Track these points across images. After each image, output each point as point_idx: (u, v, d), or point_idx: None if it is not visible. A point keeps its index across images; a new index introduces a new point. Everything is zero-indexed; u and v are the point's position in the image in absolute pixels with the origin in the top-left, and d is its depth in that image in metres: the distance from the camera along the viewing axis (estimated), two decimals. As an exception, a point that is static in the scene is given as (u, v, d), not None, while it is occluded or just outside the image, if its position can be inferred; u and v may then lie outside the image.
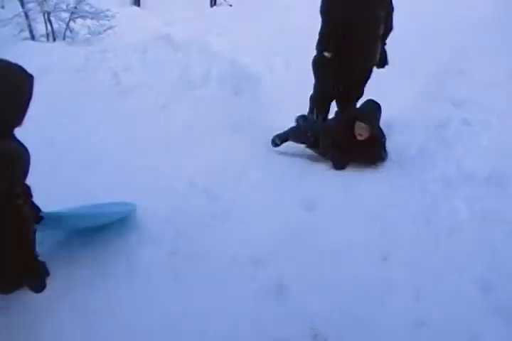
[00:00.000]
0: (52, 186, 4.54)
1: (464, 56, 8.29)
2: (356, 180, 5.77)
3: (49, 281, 3.24)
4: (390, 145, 6.41)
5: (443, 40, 10.41)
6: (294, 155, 6.49)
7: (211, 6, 21.79)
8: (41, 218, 3.28)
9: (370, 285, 3.94)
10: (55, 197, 4.20)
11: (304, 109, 7.03)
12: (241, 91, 7.68)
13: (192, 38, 9.70)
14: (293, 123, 6.81)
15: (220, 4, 21.47)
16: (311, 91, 6.93)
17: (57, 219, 3.62)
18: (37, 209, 3.31)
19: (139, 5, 21.48)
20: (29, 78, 2.88)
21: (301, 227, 4.71)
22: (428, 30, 11.18)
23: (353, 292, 3.86)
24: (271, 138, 6.60)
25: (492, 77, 7.20)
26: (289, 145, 6.59)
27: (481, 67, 7.55)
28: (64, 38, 14.46)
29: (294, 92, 8.35)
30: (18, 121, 2.84)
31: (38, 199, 3.27)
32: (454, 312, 3.66)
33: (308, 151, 6.54)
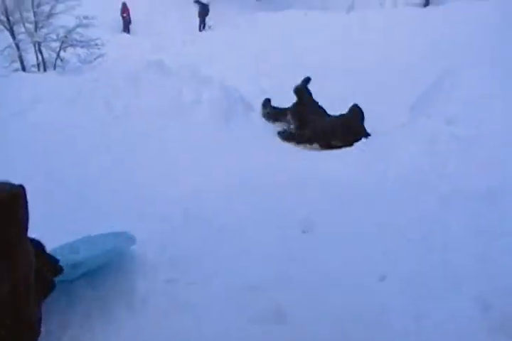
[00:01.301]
0: (47, 216, 4.54)
1: (451, 73, 8.38)
2: (351, 198, 5.76)
3: (45, 316, 3.21)
4: (385, 163, 6.46)
5: (431, 58, 10.58)
6: (287, 174, 6.48)
7: (200, 30, 21.97)
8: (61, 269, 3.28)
9: (369, 309, 3.88)
10: (51, 228, 4.24)
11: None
12: (232, 115, 7.74)
13: (182, 63, 9.82)
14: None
15: (209, 28, 21.67)
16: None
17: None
18: (54, 260, 3.30)
19: (128, 32, 21.64)
20: None
21: (297, 251, 4.68)
22: (415, 49, 11.34)
23: (352, 317, 3.80)
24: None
25: (481, 93, 7.27)
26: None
27: (469, 84, 7.63)
28: (55, 68, 14.60)
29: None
30: None
31: (34, 230, 3.26)
32: (454, 332, 3.62)
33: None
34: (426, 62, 10.48)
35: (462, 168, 6.07)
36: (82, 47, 14.85)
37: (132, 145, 6.65)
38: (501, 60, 8.33)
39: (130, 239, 4.45)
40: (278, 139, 7.70)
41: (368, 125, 8.03)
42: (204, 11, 22.07)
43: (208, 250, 4.75)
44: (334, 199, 5.76)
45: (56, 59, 14.79)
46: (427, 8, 21.14)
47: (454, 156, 6.39)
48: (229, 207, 5.49)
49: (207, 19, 22.20)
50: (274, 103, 9.01)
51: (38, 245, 3.09)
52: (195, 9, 22.31)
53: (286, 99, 8.92)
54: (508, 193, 5.28)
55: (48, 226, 3.99)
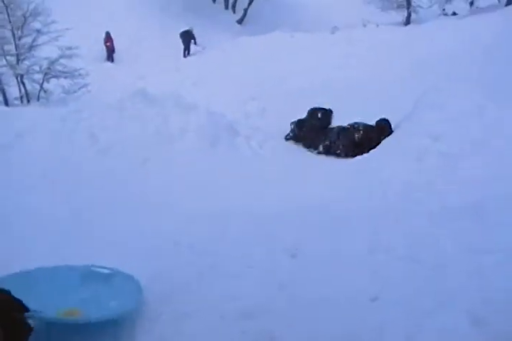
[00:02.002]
0: (32, 256, 4.48)
1: (435, 90, 8.47)
2: (339, 220, 5.73)
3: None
4: (373, 181, 6.46)
5: (414, 75, 10.69)
6: (275, 199, 6.46)
7: (184, 56, 22.07)
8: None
9: (362, 330, 3.84)
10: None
11: (281, 152, 7.10)
12: (218, 141, 7.73)
13: (167, 90, 9.82)
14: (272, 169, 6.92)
15: (194, 54, 21.76)
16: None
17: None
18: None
19: (112, 61, 21.70)
20: None
21: (288, 276, 4.64)
22: (399, 67, 11.46)
23: (346, 339, 3.78)
24: None
25: (464, 110, 7.35)
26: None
27: (453, 100, 7.71)
28: (38, 99, 14.56)
29: (269, 136, 8.48)
30: None
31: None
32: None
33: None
34: (410, 79, 10.59)
35: (450, 185, 6.10)
36: (65, 77, 14.87)
37: (118, 177, 6.60)
38: (483, 76, 8.42)
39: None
40: (264, 165, 7.67)
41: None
42: (188, 38, 22.19)
43: (200, 277, 4.71)
44: (323, 221, 5.75)
45: (39, 91, 14.78)
46: (408, 26, 21.46)
47: (442, 173, 6.42)
48: (218, 234, 5.46)
49: (192, 45, 22.29)
50: (259, 125, 9.09)
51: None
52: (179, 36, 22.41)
53: (271, 122, 8.99)
54: (496, 209, 5.29)
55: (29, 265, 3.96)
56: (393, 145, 7.70)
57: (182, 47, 22.19)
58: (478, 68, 8.96)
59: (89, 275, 4.40)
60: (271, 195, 6.54)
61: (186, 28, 22.24)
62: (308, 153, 9.16)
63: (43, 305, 3.42)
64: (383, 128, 8.89)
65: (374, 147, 8.27)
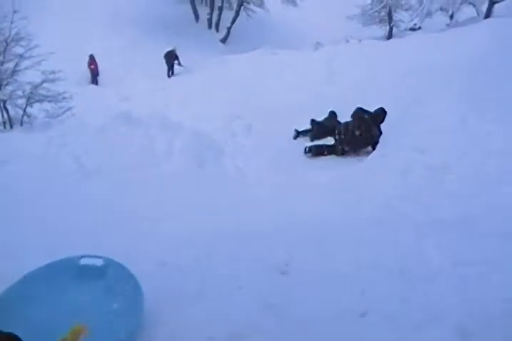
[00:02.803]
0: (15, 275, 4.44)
1: (418, 103, 8.54)
2: (326, 236, 5.71)
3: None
4: (360, 195, 6.47)
5: (397, 89, 10.76)
6: (262, 217, 6.44)
7: (168, 76, 22.14)
8: None
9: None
10: None
11: (267, 172, 7.09)
12: (205, 162, 7.73)
13: (151, 111, 9.83)
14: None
15: (178, 74, 21.83)
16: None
17: None
18: None
19: (96, 83, 21.73)
20: None
21: (276, 295, 4.61)
22: (381, 81, 11.54)
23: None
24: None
25: (448, 122, 7.40)
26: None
27: (436, 113, 7.77)
28: (22, 124, 14.44)
29: (256, 155, 8.49)
30: None
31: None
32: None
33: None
34: (393, 92, 10.66)
35: (436, 198, 6.12)
36: (49, 101, 14.77)
37: (104, 201, 6.56)
38: (466, 89, 8.50)
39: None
40: (251, 183, 7.66)
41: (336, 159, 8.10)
42: (171, 58, 22.28)
43: (188, 299, 4.67)
44: (311, 237, 5.72)
45: (23, 115, 14.66)
46: (390, 40, 21.71)
47: (428, 186, 6.44)
48: (206, 255, 5.42)
49: (176, 65, 22.37)
50: (245, 143, 9.11)
51: None
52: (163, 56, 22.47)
53: (257, 140, 9.00)
54: (481, 221, 5.31)
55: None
56: (379, 159, 7.72)
57: (166, 67, 22.27)
58: (461, 81, 9.04)
59: (83, 271, 4.49)
60: (259, 214, 6.53)
61: (170, 49, 22.34)
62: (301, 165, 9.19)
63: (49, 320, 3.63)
64: (378, 116, 9.44)
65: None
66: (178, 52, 22.42)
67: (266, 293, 4.68)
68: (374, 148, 8.87)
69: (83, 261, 4.58)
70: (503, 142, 6.75)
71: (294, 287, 4.78)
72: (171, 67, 22.32)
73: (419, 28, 26.09)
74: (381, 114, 9.42)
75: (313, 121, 10.82)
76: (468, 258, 4.74)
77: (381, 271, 4.87)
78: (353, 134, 9.39)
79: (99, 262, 4.58)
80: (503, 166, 6.24)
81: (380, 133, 9.15)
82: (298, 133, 10.72)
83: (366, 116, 9.41)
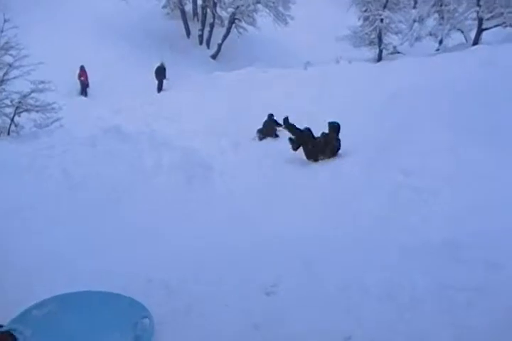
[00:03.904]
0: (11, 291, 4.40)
1: (406, 126, 8.61)
2: (313, 257, 5.70)
3: None
4: (345, 216, 6.48)
5: (385, 111, 10.84)
6: (250, 236, 6.41)
7: (158, 91, 22.11)
8: None
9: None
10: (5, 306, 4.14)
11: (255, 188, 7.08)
12: (193, 177, 7.71)
13: (140, 126, 9.81)
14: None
15: (166, 89, 21.80)
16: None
17: None
18: None
19: (86, 95, 21.65)
20: None
21: (263, 316, 4.60)
22: (369, 103, 11.63)
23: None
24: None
25: (435, 146, 7.46)
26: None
27: (424, 137, 7.83)
28: (9, 133, 14.32)
29: (244, 172, 8.49)
30: None
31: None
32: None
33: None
34: (381, 115, 10.73)
35: (422, 220, 6.15)
36: (37, 111, 14.66)
37: (91, 214, 6.51)
38: (452, 113, 8.61)
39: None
40: (238, 200, 7.63)
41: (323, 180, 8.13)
42: (161, 73, 22.30)
43: (174, 316, 4.66)
44: (297, 257, 5.72)
45: (10, 124, 14.54)
46: (380, 63, 21.91)
47: (414, 208, 6.47)
48: (193, 271, 5.41)
49: (164, 80, 22.39)
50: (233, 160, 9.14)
51: None
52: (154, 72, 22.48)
53: (245, 157, 9.02)
54: (467, 245, 5.33)
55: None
56: (366, 180, 7.75)
57: (156, 82, 22.28)
58: (449, 106, 9.17)
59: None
60: (246, 231, 6.51)
61: (159, 64, 22.39)
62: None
63: None
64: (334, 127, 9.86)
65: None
66: (166, 66, 22.46)
67: (253, 312, 4.67)
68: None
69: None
70: (491, 167, 6.82)
71: (280, 307, 4.78)
72: (160, 82, 22.32)
73: (398, 52, 26.55)
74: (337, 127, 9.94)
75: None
76: (454, 283, 4.75)
77: (367, 293, 4.88)
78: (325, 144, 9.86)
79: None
80: (490, 192, 6.29)
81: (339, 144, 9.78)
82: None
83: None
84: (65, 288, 4.69)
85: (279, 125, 11.93)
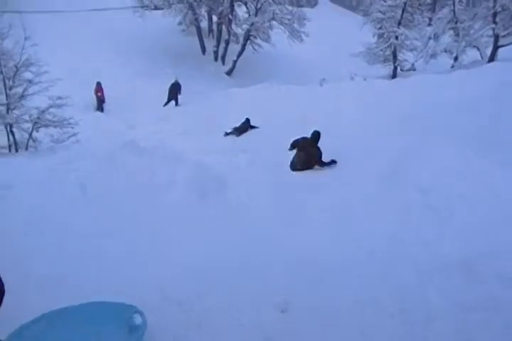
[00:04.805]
0: (13, 306, 4.40)
1: (421, 143, 8.59)
2: (326, 274, 5.69)
3: None
4: (360, 233, 6.47)
5: (400, 128, 10.84)
6: (263, 253, 6.41)
7: (164, 105, 22.31)
8: None
9: None
10: (21, 313, 4.20)
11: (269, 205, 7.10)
12: (207, 194, 7.73)
13: (156, 141, 9.88)
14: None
15: (183, 104, 21.97)
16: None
17: None
18: None
19: (102, 110, 21.88)
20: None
21: (275, 332, 4.59)
22: (384, 120, 11.64)
23: None
24: None
25: (451, 164, 7.44)
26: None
27: (440, 154, 7.81)
28: (27, 148, 14.55)
29: (260, 189, 8.50)
30: None
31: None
32: None
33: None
34: (396, 131, 10.71)
35: (437, 239, 6.10)
36: (55, 127, 14.90)
37: (105, 229, 6.57)
38: (468, 130, 8.60)
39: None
40: (253, 217, 7.65)
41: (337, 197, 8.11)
42: (175, 90, 22.52)
43: (187, 334, 4.66)
44: (311, 274, 5.70)
45: (28, 139, 14.78)
46: (395, 80, 21.93)
47: (429, 227, 6.44)
48: (207, 289, 5.41)
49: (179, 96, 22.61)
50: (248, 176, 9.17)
51: None
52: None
53: (260, 174, 9.05)
54: (483, 264, 5.29)
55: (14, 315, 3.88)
56: (380, 198, 7.72)
57: (166, 98, 22.50)
58: (465, 123, 9.14)
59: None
60: (260, 247, 6.48)
61: (173, 81, 22.62)
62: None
63: None
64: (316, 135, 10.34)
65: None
66: (181, 82, 22.69)
67: (266, 330, 4.66)
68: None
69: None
70: (506, 184, 6.78)
71: (293, 324, 4.76)
72: (175, 98, 22.51)
73: (414, 69, 26.65)
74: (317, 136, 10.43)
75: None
76: (469, 301, 4.73)
77: (381, 310, 4.86)
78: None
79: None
80: (505, 210, 6.25)
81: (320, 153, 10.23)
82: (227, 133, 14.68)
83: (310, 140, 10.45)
84: (77, 302, 4.75)
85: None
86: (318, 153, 10.14)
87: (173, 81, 22.69)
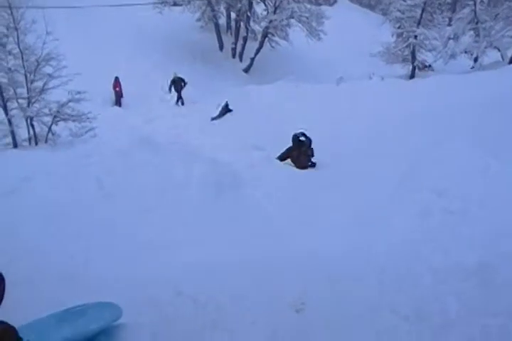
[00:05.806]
0: (30, 299, 4.47)
1: (437, 145, 8.53)
2: (341, 276, 5.66)
3: None
4: (376, 236, 6.45)
5: (416, 129, 10.78)
6: (277, 252, 6.41)
7: (177, 103, 22.36)
8: None
9: None
10: (33, 310, 4.25)
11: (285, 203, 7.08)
12: (222, 191, 7.74)
13: (172, 137, 9.89)
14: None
15: (197, 102, 21.99)
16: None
17: None
18: None
19: (120, 105, 22.00)
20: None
21: (290, 334, 4.58)
22: (401, 121, 11.57)
23: None
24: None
25: (468, 166, 7.37)
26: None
27: (457, 156, 7.75)
28: (46, 141, 14.75)
29: (275, 187, 8.50)
30: None
31: (17, 311, 3.19)
32: None
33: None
34: (413, 133, 10.66)
35: (454, 242, 6.05)
36: (73, 121, 15.07)
37: (121, 223, 6.61)
38: (485, 132, 8.51)
39: (116, 311, 4.35)
40: (268, 216, 7.65)
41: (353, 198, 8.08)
42: (179, 84, 22.59)
43: (202, 331, 4.66)
44: (327, 276, 5.67)
45: (48, 133, 14.97)
46: (413, 80, 21.80)
47: (446, 230, 6.39)
48: (221, 286, 5.39)
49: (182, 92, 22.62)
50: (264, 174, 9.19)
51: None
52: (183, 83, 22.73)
53: (277, 172, 9.05)
54: (501, 268, 5.23)
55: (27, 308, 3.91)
56: (396, 199, 7.68)
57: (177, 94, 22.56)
58: (484, 125, 9.03)
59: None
60: (275, 246, 6.49)
61: (172, 77, 22.66)
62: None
63: None
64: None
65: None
66: (197, 78, 22.74)
67: (280, 330, 4.65)
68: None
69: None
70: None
71: (307, 325, 4.74)
72: (178, 95, 22.51)
73: (432, 69, 26.49)
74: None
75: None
76: (486, 307, 4.65)
77: (397, 315, 4.81)
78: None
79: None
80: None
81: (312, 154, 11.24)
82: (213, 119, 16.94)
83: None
84: (93, 296, 4.78)
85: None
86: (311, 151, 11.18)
87: (172, 77, 22.69)
